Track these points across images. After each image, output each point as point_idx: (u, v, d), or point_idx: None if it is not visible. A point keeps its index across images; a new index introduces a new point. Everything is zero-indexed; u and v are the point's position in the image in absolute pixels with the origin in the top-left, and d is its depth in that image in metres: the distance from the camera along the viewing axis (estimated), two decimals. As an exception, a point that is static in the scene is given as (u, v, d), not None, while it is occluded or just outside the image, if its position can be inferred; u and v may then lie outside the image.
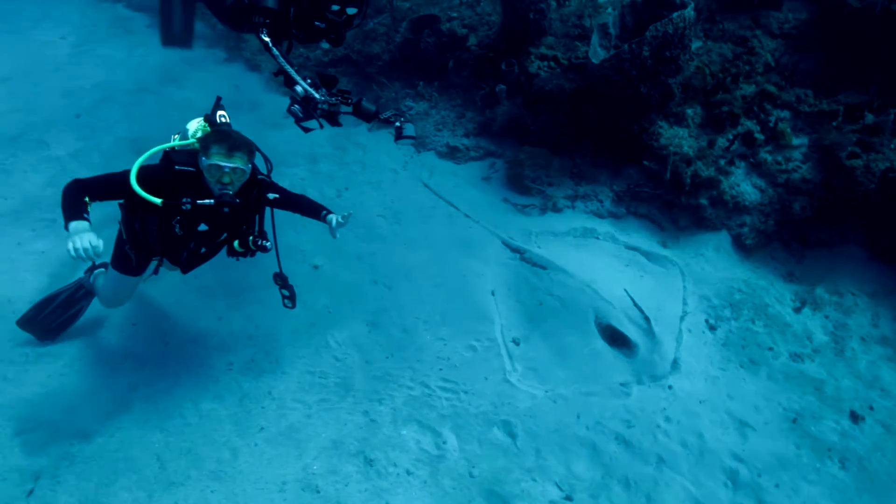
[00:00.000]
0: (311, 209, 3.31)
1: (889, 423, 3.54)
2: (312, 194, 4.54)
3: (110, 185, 2.70)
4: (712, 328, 4.03)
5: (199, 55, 7.48)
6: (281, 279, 3.34)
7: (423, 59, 5.63)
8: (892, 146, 4.02)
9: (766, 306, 4.14)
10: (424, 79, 5.66)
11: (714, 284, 4.30)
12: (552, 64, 5.00)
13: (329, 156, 5.49)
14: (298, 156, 5.49)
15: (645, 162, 4.66)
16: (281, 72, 3.46)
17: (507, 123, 5.25)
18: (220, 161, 2.72)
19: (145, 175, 2.72)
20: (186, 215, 2.87)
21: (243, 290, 4.11)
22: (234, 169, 2.75)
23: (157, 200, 2.65)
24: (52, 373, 3.52)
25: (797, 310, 4.15)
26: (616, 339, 3.79)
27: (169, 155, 2.91)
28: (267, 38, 3.35)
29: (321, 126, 3.51)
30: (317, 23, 3.50)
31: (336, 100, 3.44)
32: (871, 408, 3.61)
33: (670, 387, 3.62)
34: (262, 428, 3.33)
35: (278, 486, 3.07)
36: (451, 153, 5.41)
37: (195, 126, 3.07)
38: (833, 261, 4.42)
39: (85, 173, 5.19)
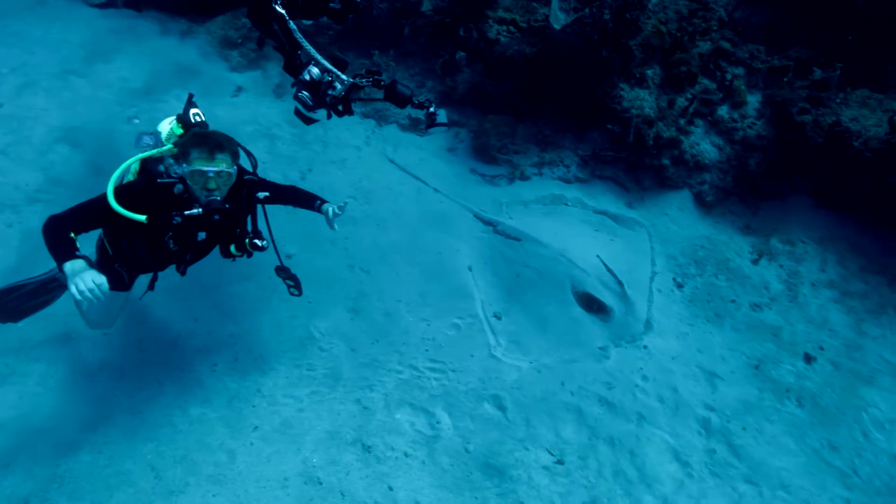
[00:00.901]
0: (304, 200, 3.22)
1: (837, 361, 3.90)
2: (274, 178, 4.38)
3: (92, 214, 2.51)
4: (679, 286, 4.25)
5: (127, 25, 6.86)
6: (283, 271, 3.26)
7: (377, 27, 5.37)
8: (838, 100, 4.21)
9: (727, 261, 4.39)
10: (379, 47, 5.42)
11: (679, 243, 4.50)
12: (511, 28, 4.89)
13: (287, 135, 5.26)
14: (255, 137, 5.23)
15: (609, 126, 4.71)
16: (282, 49, 2.98)
17: (469, 91, 5.15)
18: (203, 166, 2.55)
19: (125, 193, 2.55)
20: (178, 229, 2.71)
21: (217, 286, 3.99)
22: (218, 173, 2.59)
23: (141, 218, 2.49)
24: (23, 393, 3.37)
25: (755, 261, 4.42)
26: (592, 305, 3.95)
27: (146, 166, 2.72)
28: (282, 10, 2.86)
29: (329, 116, 3.11)
30: (332, 4, 3.02)
31: (366, 81, 2.97)
32: (822, 348, 3.96)
33: (645, 346, 3.84)
34: (255, 427, 3.33)
35: (280, 483, 3.11)
36: (414, 125, 5.29)
37: (167, 127, 2.86)
38: (785, 211, 4.70)
39: (18, 171, 4.90)
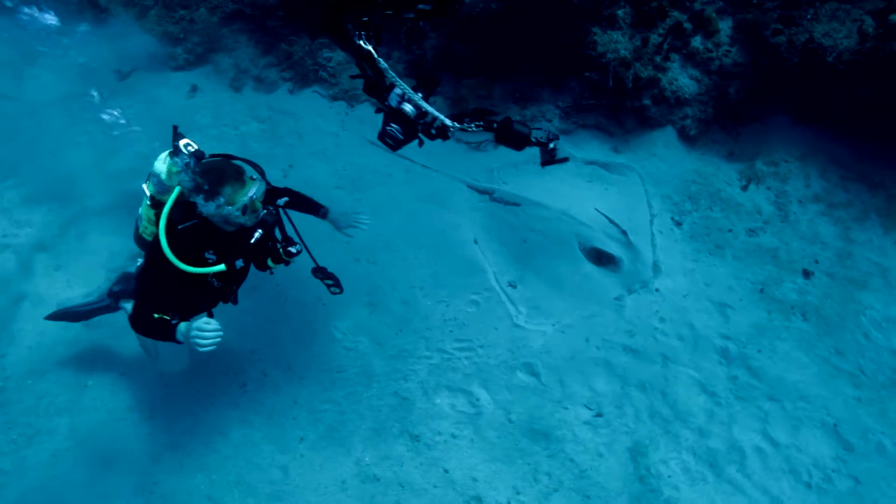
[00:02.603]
0: (310, 206, 3.24)
1: (832, 272, 4.13)
2: (256, 181, 4.22)
3: (159, 286, 2.56)
4: (678, 224, 4.36)
5: (48, 29, 6.25)
6: (321, 272, 3.26)
7: None
8: (809, 17, 4.24)
9: (719, 191, 4.50)
10: (336, 22, 5.11)
11: (671, 181, 4.57)
12: (473, -17, 4.66)
13: (257, 131, 5.01)
14: (224, 138, 4.96)
15: (586, 73, 4.64)
16: (362, 74, 2.56)
17: (439, 57, 4.96)
18: (243, 197, 2.54)
19: (178, 249, 2.53)
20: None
21: (223, 305, 3.88)
22: (256, 195, 2.59)
23: (221, 268, 2.55)
24: (55, 450, 3.29)
25: (744, 188, 4.55)
26: (601, 258, 4.02)
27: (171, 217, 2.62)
28: (369, 47, 2.43)
29: (421, 143, 2.74)
30: (421, 5, 2.55)
31: (474, 126, 2.61)
32: (817, 261, 4.17)
33: (657, 289, 3.97)
34: (301, 438, 3.35)
35: (339, 487, 3.18)
36: (388, 101, 5.10)
37: (164, 167, 2.72)
38: (765, 132, 4.79)
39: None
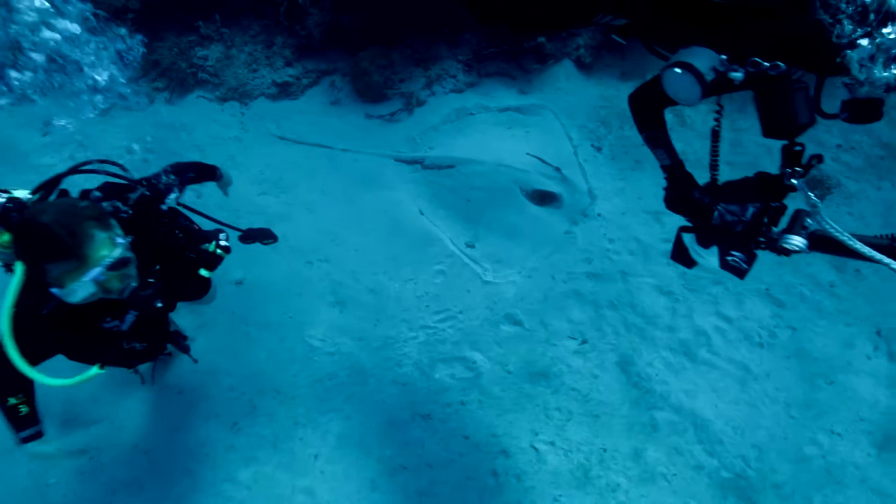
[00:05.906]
0: (205, 173, 2.85)
1: (732, 160, 4.61)
2: (167, 209, 3.78)
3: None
4: (598, 149, 4.64)
5: None
6: (248, 236, 2.83)
7: (187, -9, 4.50)
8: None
9: (624, 111, 4.77)
10: (201, 16, 4.59)
11: (582, 111, 4.81)
12: (345, -52, 4.40)
13: (151, 154, 4.45)
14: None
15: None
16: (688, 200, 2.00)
17: (327, 33, 4.68)
18: (80, 277, 1.74)
19: (43, 337, 1.95)
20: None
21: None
22: (110, 267, 1.79)
23: (94, 371, 2.11)
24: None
25: (644, 103, 4.91)
26: (543, 198, 4.19)
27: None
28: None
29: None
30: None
31: None
32: (718, 154, 4.67)
33: (599, 214, 4.24)
34: (315, 456, 3.24)
35: (371, 487, 3.15)
36: (284, 90, 4.75)
37: None
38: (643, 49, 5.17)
39: None
